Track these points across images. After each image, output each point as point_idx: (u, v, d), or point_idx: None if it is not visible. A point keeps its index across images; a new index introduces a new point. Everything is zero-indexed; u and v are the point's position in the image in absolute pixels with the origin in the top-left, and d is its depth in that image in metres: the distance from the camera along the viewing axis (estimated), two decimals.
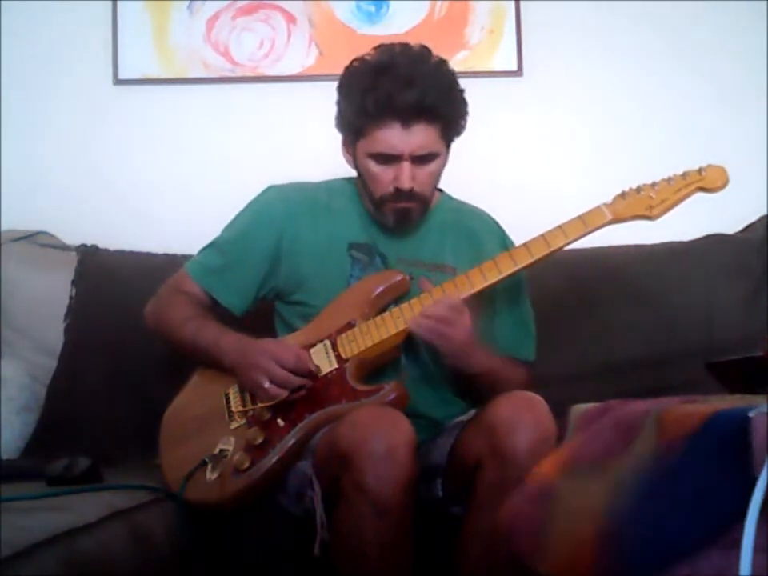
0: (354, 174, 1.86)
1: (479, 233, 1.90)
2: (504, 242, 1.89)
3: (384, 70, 1.70)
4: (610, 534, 0.88)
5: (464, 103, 1.77)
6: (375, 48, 1.77)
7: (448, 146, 1.79)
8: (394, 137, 1.70)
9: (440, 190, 1.94)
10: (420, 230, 1.86)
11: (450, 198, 1.96)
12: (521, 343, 1.87)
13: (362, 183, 1.82)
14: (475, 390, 1.77)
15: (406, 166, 1.72)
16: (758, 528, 0.76)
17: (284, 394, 1.65)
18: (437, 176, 1.80)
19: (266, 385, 1.65)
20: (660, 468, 0.87)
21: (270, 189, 1.90)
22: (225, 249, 1.86)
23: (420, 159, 1.73)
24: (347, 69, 1.78)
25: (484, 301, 1.83)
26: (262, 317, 1.89)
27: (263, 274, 1.84)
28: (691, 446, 0.85)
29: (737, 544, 0.76)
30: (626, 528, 0.87)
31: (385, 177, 1.74)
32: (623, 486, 0.90)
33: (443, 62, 1.76)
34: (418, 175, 1.73)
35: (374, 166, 1.75)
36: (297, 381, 1.66)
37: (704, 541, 0.81)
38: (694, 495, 0.83)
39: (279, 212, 1.85)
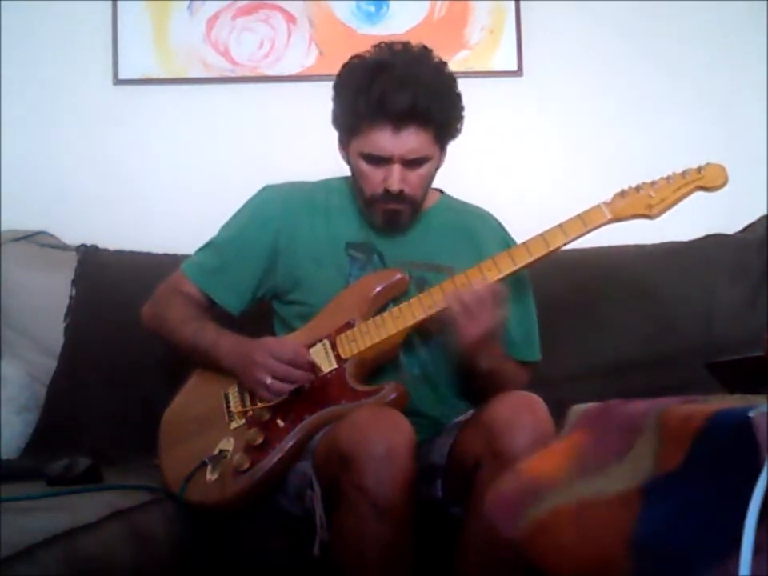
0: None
1: (480, 233, 1.89)
2: (506, 243, 1.88)
3: (380, 70, 1.69)
4: (640, 549, 0.87)
5: (460, 107, 1.76)
6: (375, 46, 1.77)
7: (442, 149, 1.78)
8: (385, 139, 1.69)
9: (441, 191, 1.94)
10: (418, 229, 1.85)
11: (451, 198, 1.95)
12: (527, 344, 1.87)
13: (354, 181, 1.82)
14: (478, 388, 1.76)
15: (396, 168, 1.71)
16: (758, 528, 0.76)
17: (286, 389, 1.65)
18: (429, 179, 1.78)
19: (268, 381, 1.65)
20: (673, 479, 0.87)
21: (267, 188, 1.90)
22: (221, 248, 1.86)
23: (411, 162, 1.72)
24: (345, 66, 1.77)
25: None
26: (261, 318, 1.89)
27: (261, 273, 1.83)
28: (695, 452, 0.84)
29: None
30: (655, 543, 0.87)
31: (375, 177, 1.73)
32: (644, 497, 0.90)
33: (442, 64, 1.75)
34: (408, 178, 1.72)
35: (364, 166, 1.74)
36: (297, 374, 1.66)
37: (728, 546, 0.80)
38: (708, 503, 0.83)
39: (276, 211, 1.85)
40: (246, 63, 2.50)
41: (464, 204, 1.96)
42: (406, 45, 1.75)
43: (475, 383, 1.77)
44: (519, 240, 1.79)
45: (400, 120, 1.67)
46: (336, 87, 1.77)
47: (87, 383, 2.17)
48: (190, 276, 1.86)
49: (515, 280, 1.79)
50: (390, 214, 1.77)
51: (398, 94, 1.66)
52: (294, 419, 1.65)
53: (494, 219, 1.96)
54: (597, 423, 1.04)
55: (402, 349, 1.75)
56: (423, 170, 1.74)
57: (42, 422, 2.13)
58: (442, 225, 1.88)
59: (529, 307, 1.88)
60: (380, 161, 1.71)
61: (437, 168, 1.79)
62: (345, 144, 1.79)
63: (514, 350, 1.84)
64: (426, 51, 1.75)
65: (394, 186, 1.71)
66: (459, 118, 1.76)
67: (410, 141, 1.69)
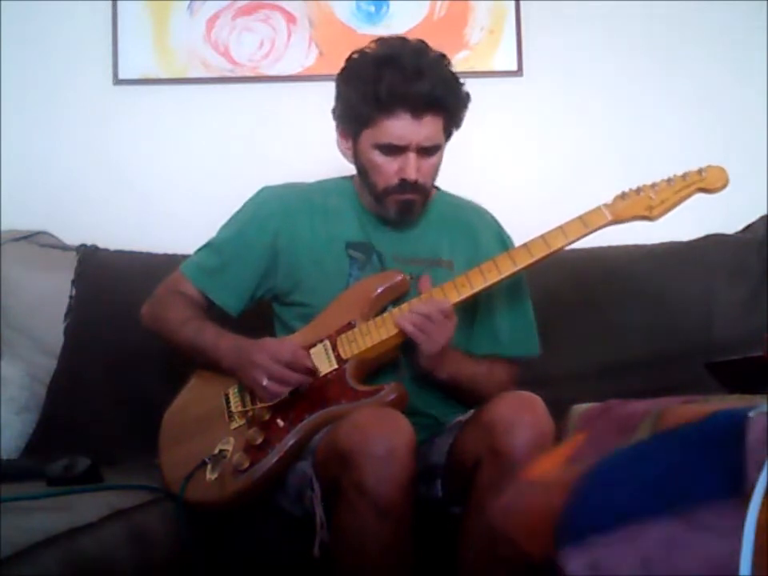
0: (352, 173, 1.86)
1: (476, 227, 1.90)
2: (500, 236, 1.90)
3: (388, 62, 1.70)
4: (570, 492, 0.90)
5: (467, 96, 1.78)
6: (374, 41, 1.78)
7: (447, 140, 1.79)
8: (404, 127, 1.70)
9: (435, 187, 1.94)
10: (416, 225, 1.86)
11: (446, 193, 1.96)
12: (525, 340, 1.87)
13: (362, 176, 1.82)
14: (450, 395, 1.79)
15: (412, 157, 1.72)
16: (727, 511, 0.78)
17: (283, 391, 1.65)
18: (438, 168, 1.80)
19: (265, 382, 1.65)
20: (634, 445, 0.89)
21: (265, 189, 1.90)
22: (220, 249, 1.86)
23: (425, 151, 1.73)
24: (348, 60, 1.78)
25: (484, 299, 1.83)
26: (261, 318, 1.89)
27: (260, 273, 1.84)
28: (674, 433, 0.86)
29: (703, 528, 0.79)
30: (583, 486, 0.89)
31: (389, 168, 1.74)
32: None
33: (443, 56, 1.77)
34: (422, 167, 1.74)
35: (378, 157, 1.75)
36: (294, 376, 1.66)
37: (658, 511, 0.82)
38: (658, 469, 0.85)
39: (275, 211, 1.85)
40: (246, 63, 2.50)
41: (459, 199, 1.97)
42: (403, 38, 1.78)
43: (444, 391, 1.78)
44: (517, 240, 1.80)
45: (419, 108, 1.69)
46: (343, 80, 1.78)
47: (87, 383, 2.17)
48: (189, 276, 1.86)
49: (512, 279, 1.79)
50: (405, 205, 1.78)
51: (417, 83, 1.68)
52: (294, 419, 1.65)
53: (489, 213, 1.97)
54: (596, 423, 1.05)
55: (401, 349, 1.75)
56: (434, 158, 1.76)
57: (42, 422, 2.14)
58: (439, 219, 1.88)
59: (525, 304, 1.88)
60: (395, 150, 1.72)
61: (442, 159, 1.80)
62: (354, 137, 1.78)
63: (501, 348, 1.84)
64: (423, 44, 1.77)
65: (412, 174, 1.72)
66: (465, 108, 1.78)
67: (428, 128, 1.71)
